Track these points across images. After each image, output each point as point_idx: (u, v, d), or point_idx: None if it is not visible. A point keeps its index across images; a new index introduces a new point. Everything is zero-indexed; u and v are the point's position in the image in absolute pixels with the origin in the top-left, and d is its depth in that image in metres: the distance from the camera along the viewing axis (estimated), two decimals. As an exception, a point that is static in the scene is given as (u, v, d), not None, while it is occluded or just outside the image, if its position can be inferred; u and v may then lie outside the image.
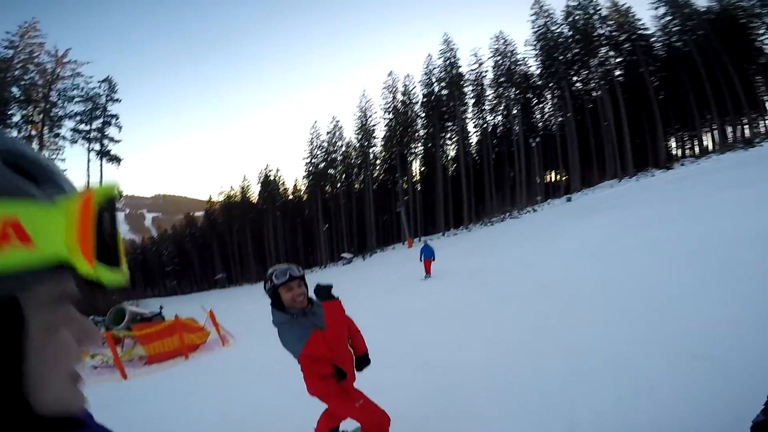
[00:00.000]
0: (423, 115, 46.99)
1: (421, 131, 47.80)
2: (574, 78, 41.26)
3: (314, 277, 29.64)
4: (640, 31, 39.56)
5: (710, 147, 39.09)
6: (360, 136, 50.15)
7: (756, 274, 4.24)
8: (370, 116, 49.94)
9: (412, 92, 47.92)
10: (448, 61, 45.52)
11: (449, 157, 48.41)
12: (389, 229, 51.86)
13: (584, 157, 39.29)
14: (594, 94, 40.49)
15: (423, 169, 49.88)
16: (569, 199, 31.00)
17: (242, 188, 62.97)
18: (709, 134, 40.71)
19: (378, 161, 52.06)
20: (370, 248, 46.06)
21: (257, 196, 60.40)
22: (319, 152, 52.38)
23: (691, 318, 3.63)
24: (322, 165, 51.94)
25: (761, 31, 35.87)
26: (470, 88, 45.66)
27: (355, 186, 52.72)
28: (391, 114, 47.75)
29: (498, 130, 46.16)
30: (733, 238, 6.03)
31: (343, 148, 52.10)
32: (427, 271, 12.72)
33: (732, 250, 5.42)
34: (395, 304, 8.95)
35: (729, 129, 37.16)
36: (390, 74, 49.19)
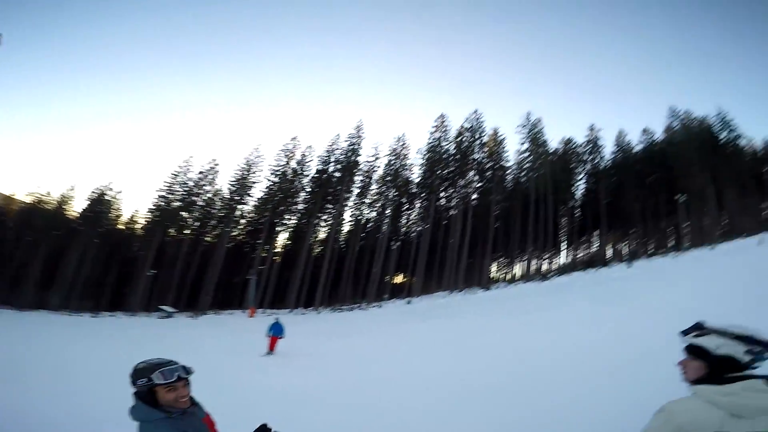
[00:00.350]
0: (309, 189, 47.27)
1: (300, 205, 47.90)
2: (442, 194, 46.18)
3: (118, 324, 23.31)
4: (502, 162, 47.39)
5: (518, 275, 46.89)
6: (235, 189, 47.34)
7: (536, 383, 5.58)
8: (254, 172, 48.24)
9: (307, 164, 48.01)
10: (352, 147, 47.44)
11: (317, 239, 49.04)
12: (231, 294, 46.95)
13: (429, 267, 43.66)
14: (452, 212, 45.44)
15: (289, 242, 48.87)
16: (409, 302, 34.36)
17: (63, 197, 49.84)
18: (520, 263, 48.82)
19: (244, 220, 49.15)
20: (201, 308, 40.24)
21: (79, 213, 48.47)
22: (180, 189, 46.72)
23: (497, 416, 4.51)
24: (177, 204, 46.00)
25: (579, 177, 46.88)
26: (360, 178, 47.75)
27: (207, 238, 47.64)
28: (277, 178, 47.05)
29: (368, 226, 49.20)
30: (523, 353, 7.78)
31: (210, 195, 47.86)
32: (271, 348, 11.91)
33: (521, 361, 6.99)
34: (231, 379, 7.99)
35: (534, 261, 45.32)
36: (293, 139, 49.02)
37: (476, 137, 47.34)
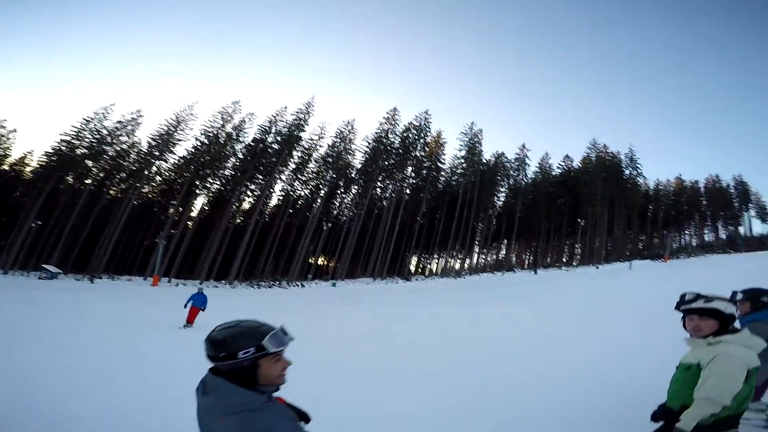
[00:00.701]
0: (240, 157, 44.51)
1: (227, 171, 44.81)
2: (379, 184, 47.22)
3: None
4: (439, 164, 50.12)
5: (435, 270, 51.48)
6: (156, 143, 42.36)
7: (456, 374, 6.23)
8: (182, 129, 43.62)
9: (245, 131, 45.13)
10: (297, 122, 45.67)
11: (241, 208, 46.44)
12: (131, 257, 42.44)
13: (356, 253, 44.73)
14: (384, 203, 47.03)
15: (207, 209, 45.46)
16: (334, 285, 34.67)
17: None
18: (438, 260, 53.85)
19: (159, 178, 44.50)
20: (94, 270, 35.76)
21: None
22: (90, 136, 40.26)
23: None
24: (83, 152, 39.69)
25: (503, 190, 51.68)
26: (299, 154, 46.45)
27: (111, 191, 42.26)
28: (207, 140, 43.24)
29: (299, 203, 48.14)
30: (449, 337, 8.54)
31: (125, 146, 42.20)
32: (190, 320, 11.14)
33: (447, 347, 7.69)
34: (156, 355, 7.29)
35: (451, 259, 49.85)
36: (234, 102, 45.74)
37: (421, 136, 49.24)
